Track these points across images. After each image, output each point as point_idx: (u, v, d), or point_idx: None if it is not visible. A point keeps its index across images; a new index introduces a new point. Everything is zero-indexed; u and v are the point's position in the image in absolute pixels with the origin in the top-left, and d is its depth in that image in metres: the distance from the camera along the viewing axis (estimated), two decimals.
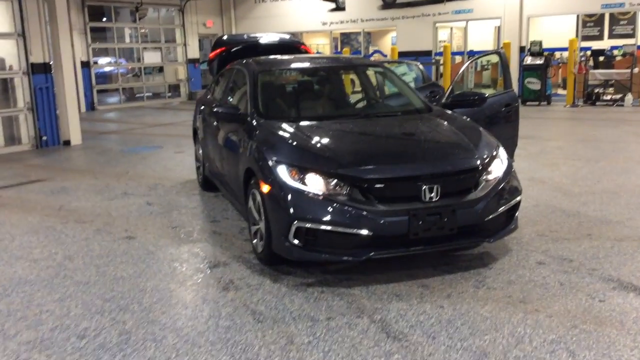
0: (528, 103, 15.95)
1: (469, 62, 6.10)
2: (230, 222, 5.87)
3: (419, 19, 19.31)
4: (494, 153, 4.58)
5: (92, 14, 19.74)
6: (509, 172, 4.59)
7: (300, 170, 4.19)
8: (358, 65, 6.11)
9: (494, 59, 17.96)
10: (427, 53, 19.17)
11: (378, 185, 4.09)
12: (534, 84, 15.84)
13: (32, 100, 11.05)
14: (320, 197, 4.08)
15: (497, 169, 4.51)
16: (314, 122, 4.98)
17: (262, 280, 4.36)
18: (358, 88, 5.99)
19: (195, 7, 21.82)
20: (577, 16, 17.33)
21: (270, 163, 4.34)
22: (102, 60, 21.56)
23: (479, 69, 21.66)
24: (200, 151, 7.03)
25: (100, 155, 10.47)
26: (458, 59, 20.47)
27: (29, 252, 5.17)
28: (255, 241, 4.71)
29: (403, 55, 18.96)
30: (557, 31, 18.21)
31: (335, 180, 4.12)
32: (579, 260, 4.59)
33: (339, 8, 20.68)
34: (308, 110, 5.50)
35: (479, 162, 4.38)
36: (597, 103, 15.21)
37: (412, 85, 7.12)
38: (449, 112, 5.41)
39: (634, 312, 3.71)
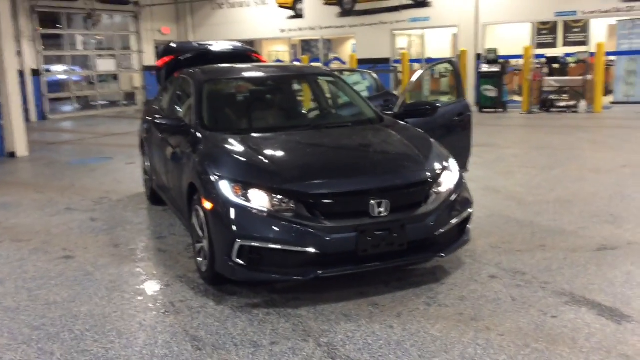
0: (485, 110, 16.07)
1: (422, 71, 5.99)
2: (177, 238, 5.62)
3: (377, 26, 19.30)
4: (445, 165, 4.47)
5: (45, 21, 19.19)
6: (460, 183, 4.48)
7: (244, 186, 3.99)
8: (308, 74, 5.94)
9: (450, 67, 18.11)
10: (386, 60, 19.17)
11: (324, 201, 3.92)
12: (490, 91, 15.96)
13: None
14: (265, 214, 3.89)
15: (447, 181, 4.39)
16: (261, 134, 4.79)
17: (204, 302, 4.13)
18: (310, 97, 5.81)
19: (151, 14, 21.40)
20: (532, 24, 17.55)
21: (212, 178, 4.13)
22: (57, 68, 20.89)
23: (436, 76, 21.86)
24: (148, 163, 6.76)
25: (46, 168, 10.06)
26: (417, 66, 20.54)
27: None
28: (199, 260, 4.48)
29: (362, 62, 18.92)
30: (513, 39, 18.39)
31: (280, 196, 3.93)
32: (531, 273, 4.50)
33: (297, 15, 20.54)
34: (255, 121, 5.31)
35: (429, 174, 4.25)
36: (552, 110, 15.40)
37: (365, 94, 7.00)
38: (400, 122, 5.28)
39: (586, 328, 3.61)
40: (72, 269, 4.91)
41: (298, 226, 3.85)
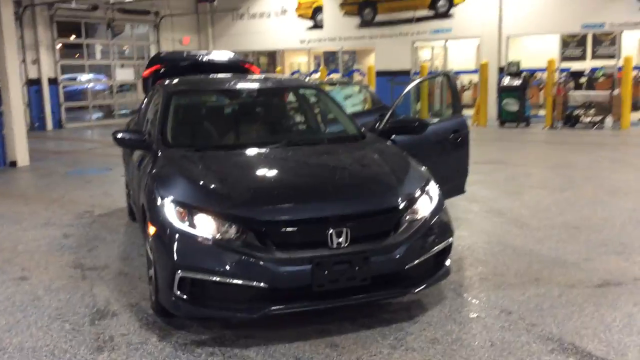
0: (506, 125, 15.47)
1: (413, 84, 5.55)
2: (143, 260, 5.20)
3: (397, 38, 18.86)
4: (422, 189, 4.00)
5: (65, 30, 19.25)
6: (439, 210, 4.01)
7: (190, 210, 3.58)
8: (287, 87, 5.53)
9: (476, 78, 17.55)
10: (406, 73, 18.67)
11: (276, 229, 3.49)
12: (511, 105, 15.35)
13: None
14: (210, 243, 3.47)
15: (423, 207, 3.92)
16: (223, 152, 4.39)
17: (147, 338, 3.73)
18: (287, 112, 5.41)
19: (171, 24, 21.34)
20: (559, 36, 16.91)
21: (157, 200, 3.74)
22: (83, 77, 20.86)
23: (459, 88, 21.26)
24: (126, 177, 6.43)
25: (42, 178, 9.85)
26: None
27: None
28: (151, 287, 4.09)
29: (381, 74, 18.50)
30: (539, 51, 17.77)
31: (228, 223, 3.51)
32: (518, 313, 3.99)
33: (317, 26, 20.23)
34: (222, 137, 4.91)
35: (400, 200, 3.79)
36: (577, 125, 14.71)
37: (360, 108, 6.58)
38: (382, 140, 4.84)
39: None
40: (22, 292, 4.57)
41: (246, 257, 3.42)
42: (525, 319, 3.89)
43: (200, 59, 7.28)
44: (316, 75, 19.26)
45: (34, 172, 10.45)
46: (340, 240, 3.51)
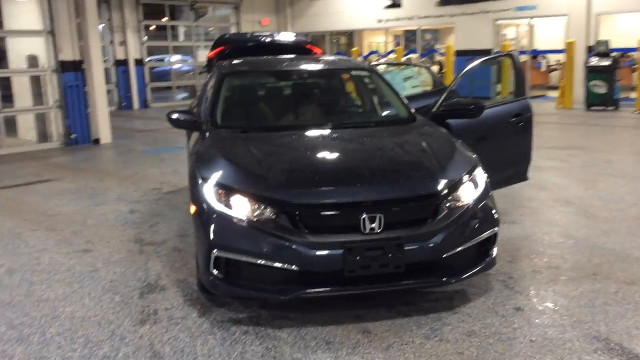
0: (592, 108, 14.63)
1: (471, 65, 5.33)
2: None
3: (478, 16, 18.20)
4: (466, 175, 3.86)
5: (151, 12, 19.94)
6: (484, 197, 3.86)
7: (227, 191, 3.64)
8: (340, 68, 5.46)
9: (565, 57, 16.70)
10: (487, 52, 18.01)
11: (308, 212, 3.49)
12: (599, 87, 14.49)
13: (61, 98, 11.05)
14: (244, 224, 3.52)
15: (467, 194, 3.79)
16: (267, 134, 4.42)
17: (188, 313, 3.85)
18: (339, 94, 5.33)
19: (252, 5, 21.63)
20: None
21: (199, 181, 3.82)
22: (174, 58, 21.42)
23: (543, 69, 20.36)
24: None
25: (120, 155, 10.33)
26: (524, 58, 19.22)
27: None
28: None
29: (461, 54, 18.00)
30: (632, 30, 16.63)
31: (263, 205, 3.55)
32: (567, 308, 3.80)
33: (395, 4, 19.86)
34: (268, 119, 4.94)
35: (439, 186, 3.67)
36: None
37: (419, 90, 6.41)
38: (432, 123, 4.70)
39: None
40: (83, 263, 4.83)
41: (278, 239, 3.45)
42: (573, 316, 3.70)
43: (263, 40, 7.35)
44: (392, 56, 18.96)
45: (114, 150, 10.97)
46: (374, 225, 3.46)
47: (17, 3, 11.67)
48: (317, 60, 5.49)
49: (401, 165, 3.90)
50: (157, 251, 5.07)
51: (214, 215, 3.60)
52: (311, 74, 5.35)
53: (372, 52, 21.70)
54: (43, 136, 11.46)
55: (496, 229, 3.86)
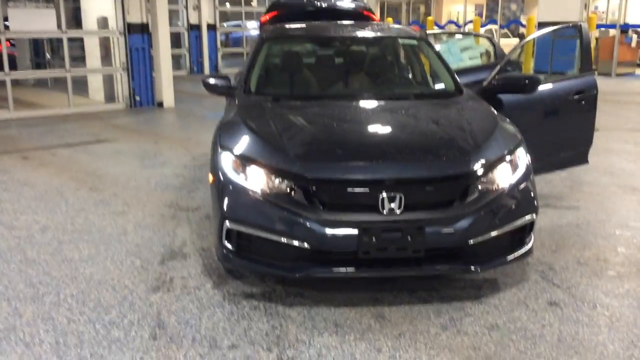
0: None
1: (529, 37, 4.88)
2: None
3: None
4: (504, 156, 3.53)
5: None
6: (523, 181, 3.53)
7: (244, 162, 3.49)
8: (387, 37, 5.13)
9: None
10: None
11: (324, 188, 3.28)
12: None
13: (127, 60, 11.23)
14: (258, 197, 3.36)
15: (503, 176, 3.47)
16: (298, 102, 4.22)
17: (203, 283, 3.76)
18: (383, 63, 5.02)
19: None
20: None
21: (218, 149, 3.68)
22: (250, 24, 21.38)
23: (633, 44, 18.99)
24: None
25: (180, 119, 10.42)
26: (612, 32, 17.96)
27: (15, 218, 5.02)
28: None
29: (543, 25, 16.98)
30: None
31: (279, 178, 3.37)
32: (607, 306, 3.44)
33: None
34: (304, 86, 4.71)
35: (470, 167, 3.36)
36: None
37: (477, 62, 5.99)
38: (478, 98, 4.35)
39: None
40: (115, 225, 4.84)
41: (291, 215, 3.27)
42: (613, 316, 3.35)
43: (319, 5, 7.09)
44: (470, 26, 18.18)
45: (175, 113, 11.09)
46: (393, 206, 3.21)
47: None
48: (365, 27, 5.20)
49: (432, 142, 3.60)
50: (189, 217, 5.02)
51: (229, 186, 3.46)
52: (355, 40, 5.08)
53: (449, 22, 20.92)
54: (110, 97, 11.73)
55: (533, 216, 3.52)
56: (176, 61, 19.38)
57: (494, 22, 19.49)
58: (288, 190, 3.33)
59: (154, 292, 3.65)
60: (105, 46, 11.63)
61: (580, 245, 4.37)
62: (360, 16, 6.99)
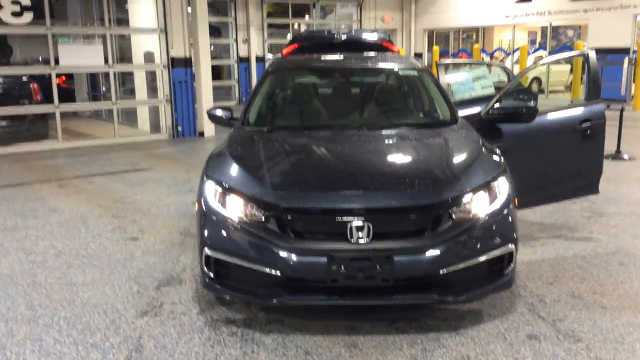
0: None
1: (533, 66, 4.83)
2: None
3: (616, 11, 16.68)
4: (483, 185, 3.51)
5: (275, 12, 20.53)
6: (501, 211, 3.49)
7: (225, 190, 3.61)
8: (387, 68, 5.17)
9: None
10: (625, 51, 16.46)
11: (295, 217, 3.35)
12: None
13: (170, 92, 11.70)
14: (235, 225, 3.47)
15: (479, 206, 3.45)
16: (291, 132, 4.33)
17: (189, 308, 3.88)
18: (382, 94, 5.06)
19: (375, 3, 21.50)
20: None
21: (203, 178, 3.84)
22: None
23: None
24: None
25: None
26: None
27: (35, 243, 5.31)
28: None
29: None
30: None
31: (255, 207, 3.47)
32: (590, 342, 3.34)
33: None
34: (299, 118, 4.80)
35: (442, 197, 3.36)
36: None
37: (491, 91, 5.94)
38: (470, 127, 4.34)
39: None
40: (125, 251, 5.05)
41: (264, 243, 3.36)
42: (593, 351, 3.25)
43: (339, 37, 7.23)
44: (518, 54, 17.93)
45: (214, 143, 11.40)
46: (361, 235, 3.25)
47: (139, 2, 12.52)
48: (367, 59, 5.29)
49: (406, 171, 3.62)
50: (196, 244, 5.17)
51: (210, 214, 3.58)
52: (355, 72, 5.17)
53: (496, 49, 20.73)
54: (155, 128, 12.23)
55: (511, 246, 3.47)
56: (227, 92, 19.99)
57: (543, 48, 19.20)
58: (263, 219, 3.42)
59: (142, 317, 3.79)
60: (151, 80, 12.18)
61: (579, 278, 4.25)
62: (378, 47, 7.07)
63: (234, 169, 3.77)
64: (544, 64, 5.13)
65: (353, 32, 7.45)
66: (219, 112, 4.82)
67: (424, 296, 3.37)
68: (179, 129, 11.89)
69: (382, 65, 5.15)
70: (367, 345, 3.36)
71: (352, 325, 3.58)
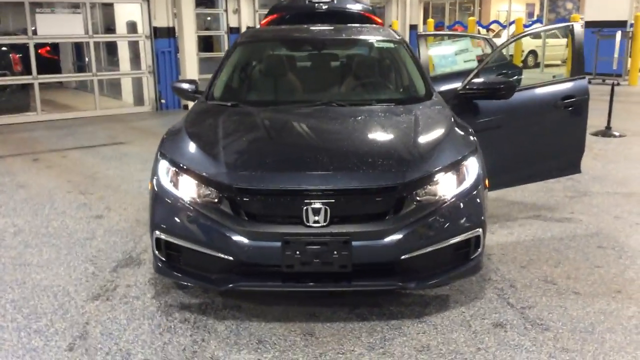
0: None
1: (513, 39, 4.59)
2: None
3: None
4: (451, 166, 3.30)
5: None
6: (469, 194, 3.29)
7: (178, 170, 3.40)
8: (362, 39, 4.93)
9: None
10: (621, 24, 16.08)
11: (248, 199, 3.15)
12: None
13: (153, 63, 11.41)
14: (187, 206, 3.27)
15: (446, 188, 3.25)
16: (250, 108, 4.10)
17: (144, 292, 3.71)
18: (355, 67, 4.82)
19: None
20: None
21: (157, 156, 3.62)
22: None
23: None
24: None
25: None
26: None
27: None
28: None
29: (590, 25, 16.26)
30: None
31: (208, 187, 3.27)
32: (557, 331, 3.17)
33: None
34: (264, 92, 4.58)
35: (405, 178, 3.15)
36: None
37: (472, 65, 5.70)
38: (443, 103, 4.12)
39: None
40: (87, 229, 4.86)
41: (216, 226, 3.16)
42: (560, 341, 3.08)
43: (320, 7, 6.94)
44: (514, 26, 17.60)
45: None
46: (317, 218, 3.06)
47: None
48: (342, 30, 5.04)
49: (369, 151, 3.39)
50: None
51: (162, 194, 3.38)
52: (328, 44, 4.91)
53: (493, 22, 20.34)
54: (138, 100, 11.96)
55: (479, 230, 3.28)
56: (216, 63, 19.61)
57: (540, 21, 18.79)
58: (216, 201, 3.22)
59: (93, 301, 3.61)
60: (134, 50, 11.87)
61: (554, 261, 4.08)
62: (361, 19, 6.79)
63: (189, 147, 3.56)
64: (521, 37, 4.91)
65: (335, 1, 7.12)
66: (184, 85, 4.58)
67: (384, 283, 3.19)
68: (162, 101, 11.63)
69: (356, 36, 4.91)
70: (325, 333, 3.20)
71: (312, 312, 3.41)
